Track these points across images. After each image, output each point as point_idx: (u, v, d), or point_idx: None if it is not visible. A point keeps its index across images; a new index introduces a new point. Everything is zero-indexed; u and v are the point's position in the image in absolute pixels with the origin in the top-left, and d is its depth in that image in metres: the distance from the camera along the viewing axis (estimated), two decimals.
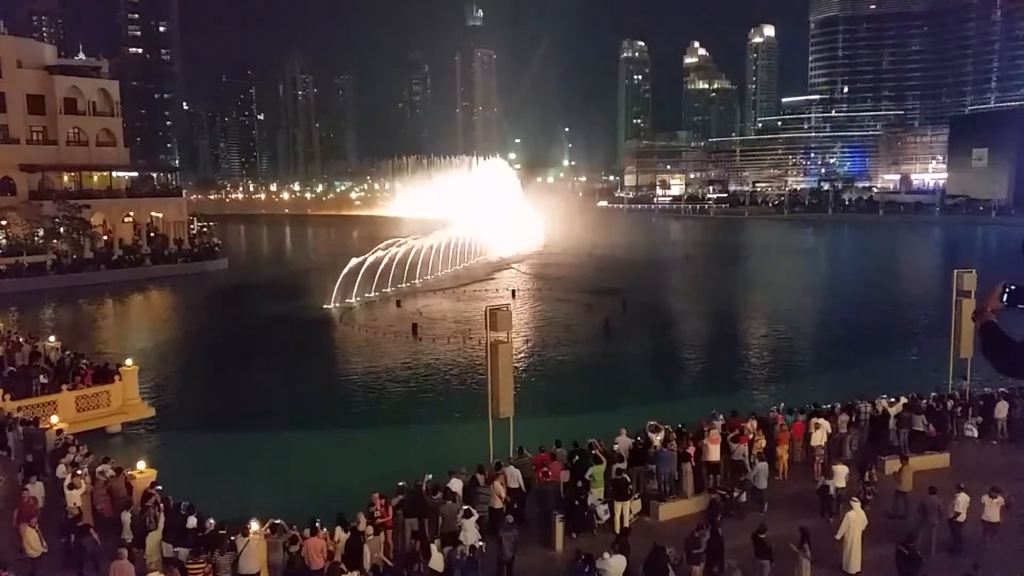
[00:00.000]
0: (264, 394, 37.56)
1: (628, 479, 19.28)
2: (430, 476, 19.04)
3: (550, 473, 19.90)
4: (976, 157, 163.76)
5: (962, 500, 17.91)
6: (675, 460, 20.40)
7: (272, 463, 28.71)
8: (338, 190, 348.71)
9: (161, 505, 17.83)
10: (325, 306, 61.32)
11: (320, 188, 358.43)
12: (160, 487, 19.19)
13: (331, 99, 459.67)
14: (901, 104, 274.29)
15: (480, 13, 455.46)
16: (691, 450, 20.70)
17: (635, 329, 52.98)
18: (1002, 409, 25.03)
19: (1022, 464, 22.32)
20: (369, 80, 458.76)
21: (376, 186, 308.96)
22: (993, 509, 17.56)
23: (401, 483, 18.82)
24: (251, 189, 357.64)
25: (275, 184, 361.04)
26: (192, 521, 17.10)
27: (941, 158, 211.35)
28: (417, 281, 73.58)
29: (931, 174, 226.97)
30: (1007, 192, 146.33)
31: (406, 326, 52.76)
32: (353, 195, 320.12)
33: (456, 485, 18.68)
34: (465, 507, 17.21)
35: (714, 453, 20.81)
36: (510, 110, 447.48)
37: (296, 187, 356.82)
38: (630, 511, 19.05)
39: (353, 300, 63.03)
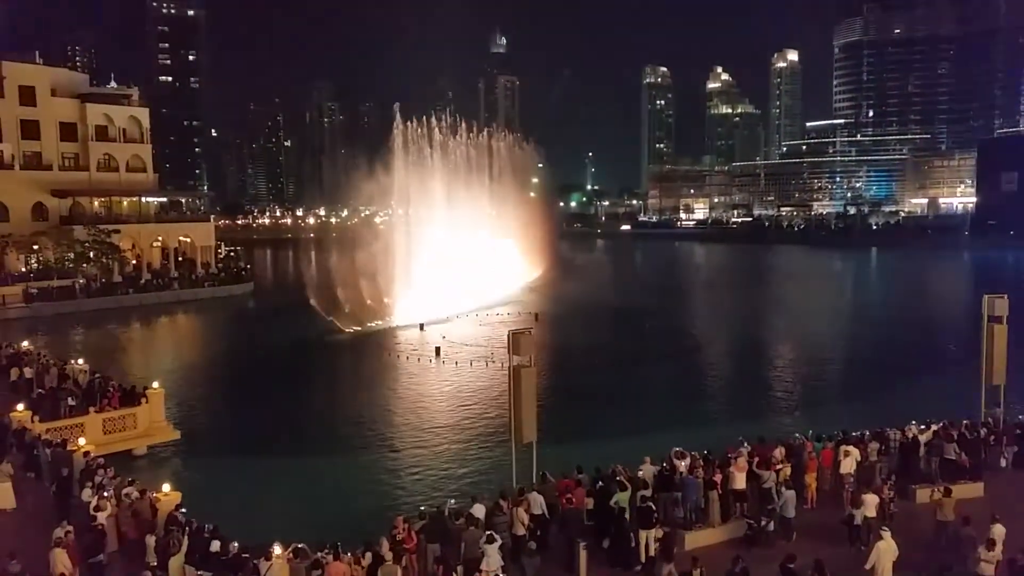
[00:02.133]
0: (289, 418, 37.73)
1: (654, 507, 18.99)
2: (453, 501, 18.93)
3: (574, 500, 19.67)
4: (1006, 181, 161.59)
5: (998, 531, 17.41)
6: (701, 488, 20.06)
7: (295, 487, 28.72)
8: (363, 214, 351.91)
9: (185, 528, 17.86)
10: (348, 329, 61.66)
11: (345, 213, 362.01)
12: (184, 510, 19.24)
13: (357, 126, 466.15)
14: (928, 128, 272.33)
15: (504, 40, 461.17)
16: (717, 478, 20.35)
17: (660, 354, 52.59)
18: None
19: None
20: (389, 109, 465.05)
21: (400, 211, 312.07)
22: None
23: (423, 508, 18.72)
24: (278, 214, 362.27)
25: (301, 209, 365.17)
26: (215, 545, 17.09)
27: (969, 182, 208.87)
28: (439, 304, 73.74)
29: (959, 198, 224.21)
30: None
31: (429, 350, 52.82)
32: (377, 219, 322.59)
33: (479, 511, 18.52)
34: (488, 533, 17.05)
35: (741, 481, 20.44)
36: (533, 135, 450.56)
37: (322, 211, 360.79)
38: (655, 539, 18.74)
39: (376, 324, 63.31)
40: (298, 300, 73.72)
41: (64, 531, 17.10)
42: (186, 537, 17.50)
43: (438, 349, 52.81)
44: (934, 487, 21.04)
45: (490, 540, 16.57)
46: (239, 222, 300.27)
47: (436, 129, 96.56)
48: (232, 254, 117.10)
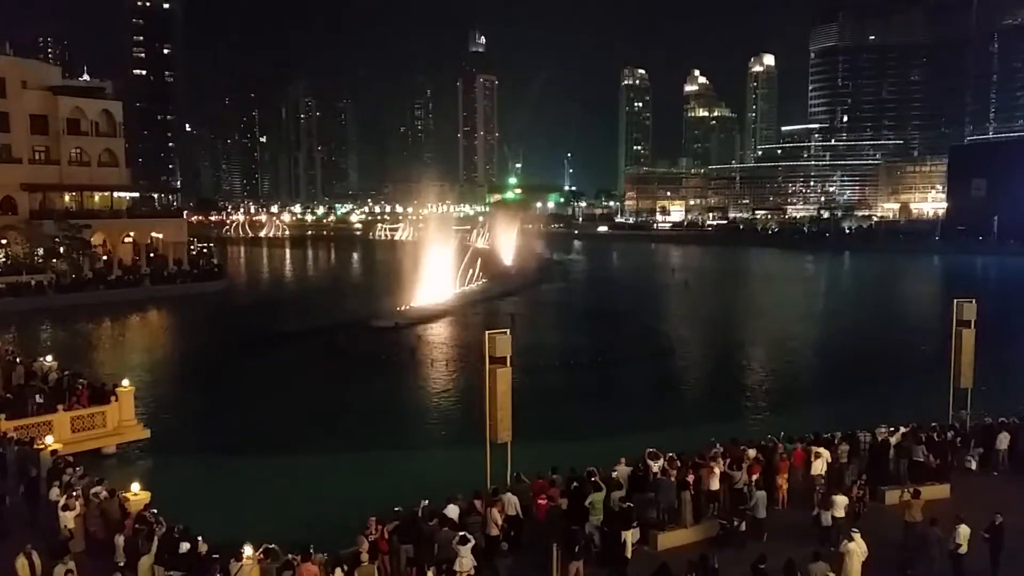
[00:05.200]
0: (260, 417, 37.37)
1: (631, 507, 19.07)
2: (426, 502, 18.85)
3: (548, 500, 19.71)
4: (975, 187, 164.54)
5: (963, 532, 17.72)
6: (674, 488, 20.20)
7: (268, 486, 28.47)
8: (339, 213, 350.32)
9: (155, 528, 17.63)
10: (318, 329, 61.17)
11: (321, 211, 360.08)
12: (154, 510, 18.99)
13: (333, 123, 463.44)
14: (901, 134, 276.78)
15: (483, 40, 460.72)
16: (690, 478, 20.51)
17: (635, 355, 52.82)
18: (1003, 440, 24.83)
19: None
20: (371, 104, 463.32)
21: (377, 209, 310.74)
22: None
23: (397, 508, 18.64)
24: (252, 211, 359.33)
25: (276, 206, 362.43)
26: (185, 545, 16.88)
27: (941, 187, 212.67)
28: (416, 305, 73.54)
29: (930, 203, 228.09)
30: (1005, 222, 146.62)
31: (404, 350, 52.61)
32: (354, 218, 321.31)
33: (452, 511, 18.48)
34: (461, 534, 17.01)
35: (714, 482, 20.62)
36: (511, 135, 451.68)
37: (297, 209, 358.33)
38: (632, 540, 18.82)
39: (349, 322, 62.89)
40: (271, 298, 73.15)
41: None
42: (156, 537, 17.28)
43: (413, 349, 52.58)
44: (903, 488, 21.38)
45: (463, 541, 16.55)
46: (212, 218, 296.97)
47: (415, 127, 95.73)
48: (205, 251, 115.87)
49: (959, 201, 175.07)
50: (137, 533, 17.58)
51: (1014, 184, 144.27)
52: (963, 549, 17.64)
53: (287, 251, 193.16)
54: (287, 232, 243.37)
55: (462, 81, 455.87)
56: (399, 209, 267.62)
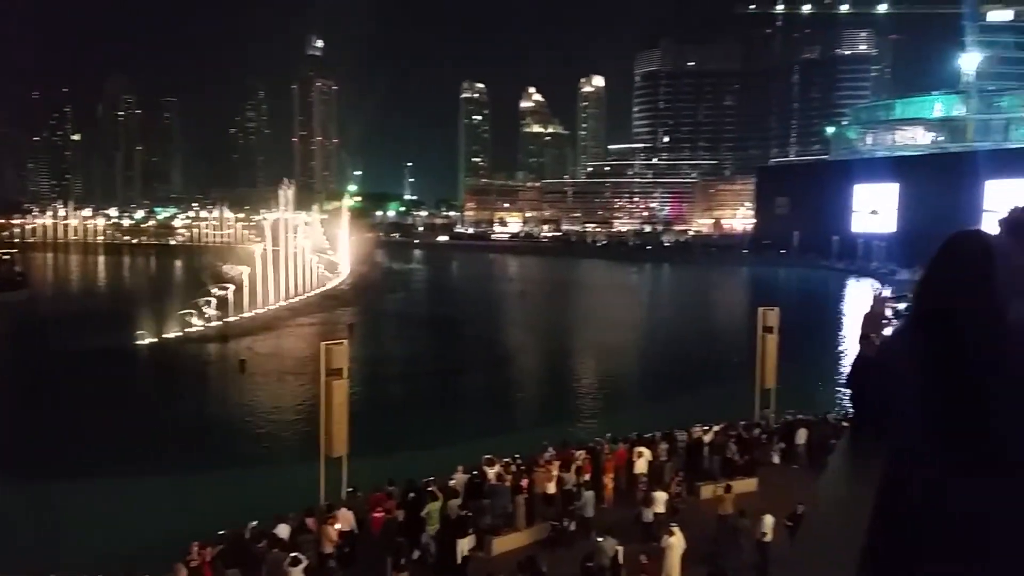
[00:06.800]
0: (76, 437, 34.07)
1: (468, 516, 19.30)
2: (255, 523, 18.10)
3: (384, 513, 19.54)
4: (779, 205, 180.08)
5: (768, 522, 19.35)
6: (509, 493, 20.69)
7: (83, 512, 25.98)
8: (160, 217, 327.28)
9: None
10: (141, 342, 56.95)
11: (140, 215, 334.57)
12: None
13: (156, 122, 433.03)
14: (715, 154, 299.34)
15: (320, 43, 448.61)
16: (524, 482, 21.09)
17: (472, 363, 53.48)
18: (802, 436, 27.34)
19: (821, 487, 24.47)
20: (199, 104, 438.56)
21: (204, 214, 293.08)
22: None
23: (222, 531, 17.74)
24: (62, 214, 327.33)
25: (90, 209, 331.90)
26: None
27: (749, 205, 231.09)
28: (246, 315, 70.20)
29: (740, 219, 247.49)
30: (805, 237, 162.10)
31: (233, 363, 50.10)
32: (177, 223, 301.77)
33: (283, 531, 17.87)
34: (292, 555, 16.49)
35: (546, 484, 21.32)
36: (350, 142, 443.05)
37: (114, 212, 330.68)
38: (467, 548, 19.03)
39: (174, 335, 59.05)
40: (83, 309, 67.09)
41: None
42: None
43: (243, 362, 50.22)
44: (716, 484, 23.12)
45: (295, 562, 16.05)
46: (15, 221, 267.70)
47: (247, 129, 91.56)
48: (5, 257, 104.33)
49: (765, 217, 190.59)
50: None
51: (812, 202, 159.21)
52: (768, 537, 19.22)
53: (101, 257, 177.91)
54: (102, 237, 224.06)
55: (298, 84, 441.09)
56: (227, 214, 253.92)
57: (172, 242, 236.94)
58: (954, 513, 2.36)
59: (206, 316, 63.52)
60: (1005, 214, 3.05)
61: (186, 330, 60.82)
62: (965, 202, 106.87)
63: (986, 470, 2.35)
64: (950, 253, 2.57)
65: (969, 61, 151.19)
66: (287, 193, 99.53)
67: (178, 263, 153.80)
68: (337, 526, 18.39)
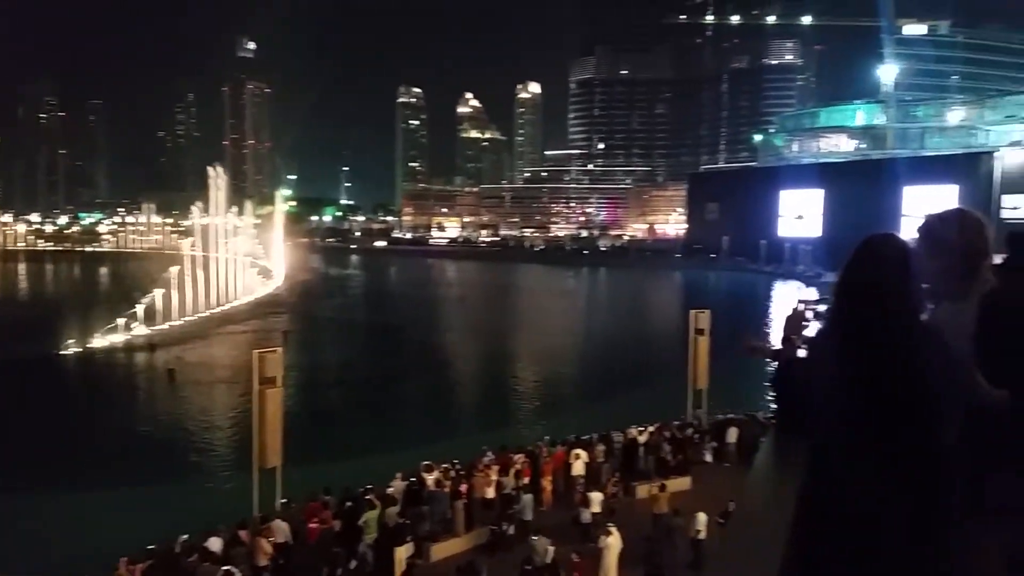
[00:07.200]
0: None
1: (406, 523, 19.18)
2: (186, 536, 17.60)
3: (320, 523, 19.25)
4: (710, 210, 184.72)
5: (701, 519, 19.83)
6: (448, 499, 20.65)
7: (2, 529, 24.76)
8: (85, 222, 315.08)
9: None
10: (65, 352, 54.72)
11: (64, 220, 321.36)
12: None
13: (81, 125, 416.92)
14: (648, 161, 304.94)
15: (252, 45, 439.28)
16: (463, 488, 21.08)
17: (410, 369, 53.14)
18: (732, 435, 28.10)
19: (749, 484, 25.20)
20: (127, 107, 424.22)
21: (131, 219, 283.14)
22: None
23: (151, 546, 17.19)
24: None
25: (9, 215, 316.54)
26: None
27: (681, 210, 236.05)
28: (175, 323, 68.17)
29: (672, 224, 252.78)
30: (734, 241, 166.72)
31: (161, 372, 48.60)
32: (103, 229, 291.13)
33: (215, 544, 17.43)
34: (225, 568, 16.10)
35: (485, 488, 21.36)
36: (284, 145, 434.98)
37: (35, 218, 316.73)
38: (405, 556, 18.92)
39: (99, 343, 56.92)
40: (2, 317, 64.09)
41: None
42: None
43: (172, 371, 48.75)
44: (651, 483, 23.55)
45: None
46: None
47: (176, 133, 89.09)
48: None
49: (696, 222, 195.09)
50: None
51: (741, 208, 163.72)
52: (702, 535, 19.68)
53: (22, 265, 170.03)
54: (23, 244, 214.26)
55: (229, 86, 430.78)
56: (156, 220, 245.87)
57: (98, 248, 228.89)
58: (869, 504, 2.50)
59: (133, 324, 61.47)
60: (922, 221, 3.25)
61: (112, 339, 58.70)
62: (885, 207, 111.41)
63: (897, 462, 2.51)
64: (871, 254, 2.72)
65: (887, 72, 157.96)
66: (217, 183, 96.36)
67: (104, 270, 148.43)
68: (272, 538, 18.05)
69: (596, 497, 21.06)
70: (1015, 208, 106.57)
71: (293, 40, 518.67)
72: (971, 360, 2.80)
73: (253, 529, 18.19)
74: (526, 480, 22.40)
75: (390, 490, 20.95)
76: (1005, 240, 3.32)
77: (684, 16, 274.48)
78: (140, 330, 61.79)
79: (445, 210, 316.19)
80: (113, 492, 28.83)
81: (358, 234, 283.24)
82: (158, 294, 67.44)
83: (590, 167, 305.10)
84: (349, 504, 19.81)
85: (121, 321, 60.33)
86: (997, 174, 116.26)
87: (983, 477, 2.75)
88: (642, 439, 26.08)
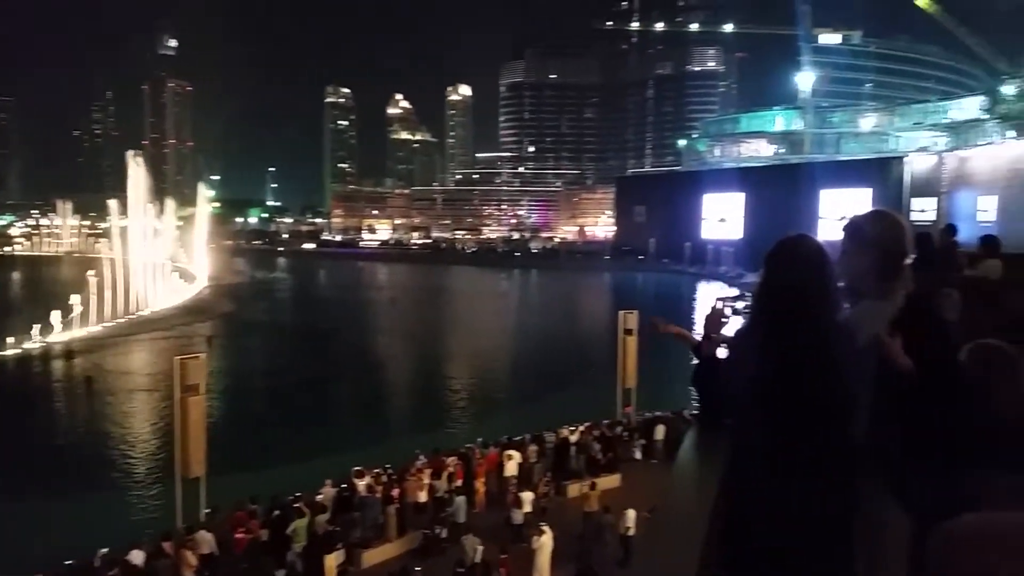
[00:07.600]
0: None
1: (336, 531, 18.94)
2: (105, 550, 16.96)
3: (247, 532, 18.83)
4: (637, 213, 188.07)
5: (631, 515, 20.24)
6: (380, 504, 20.48)
7: None
8: None
9: None
10: None
11: None
12: None
13: None
14: (577, 164, 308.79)
15: (173, 43, 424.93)
16: (395, 492, 20.95)
17: (341, 373, 52.38)
18: (660, 432, 28.77)
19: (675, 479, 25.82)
20: (40, 105, 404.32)
21: (44, 221, 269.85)
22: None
23: (69, 561, 16.51)
24: None
25: None
26: None
27: (610, 213, 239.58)
28: (92, 329, 65.40)
29: (601, 227, 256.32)
30: (660, 243, 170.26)
31: (78, 380, 46.57)
32: (15, 231, 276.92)
33: (137, 557, 16.86)
34: None
35: (417, 492, 21.28)
36: (208, 146, 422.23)
37: None
38: (336, 563, 18.68)
39: (12, 351, 54.18)
40: None
41: None
42: None
43: (89, 379, 46.77)
44: (582, 482, 23.90)
45: None
46: None
47: (93, 132, 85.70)
48: None
49: (624, 225, 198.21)
50: None
51: (666, 210, 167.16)
52: (632, 531, 20.08)
53: None
54: None
55: (149, 85, 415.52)
56: (72, 222, 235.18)
57: (9, 252, 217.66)
58: (786, 500, 2.62)
59: (49, 331, 58.71)
60: (846, 222, 3.43)
61: (27, 346, 55.93)
62: (803, 210, 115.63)
63: (814, 461, 2.63)
64: (788, 255, 2.83)
65: (804, 79, 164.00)
66: (137, 180, 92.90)
67: (16, 275, 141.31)
68: (196, 550, 17.57)
69: (528, 497, 21.23)
70: (923, 211, 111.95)
71: (217, 38, 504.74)
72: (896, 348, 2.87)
73: (177, 541, 17.68)
74: (459, 482, 22.41)
75: (320, 497, 20.64)
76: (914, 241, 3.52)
77: (611, 22, 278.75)
78: (57, 336, 59.12)
79: (376, 212, 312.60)
80: (26, 506, 27.48)
81: (286, 236, 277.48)
82: (75, 299, 64.57)
83: (521, 169, 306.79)
84: (277, 513, 19.46)
85: (36, 327, 57.55)
86: (907, 178, 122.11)
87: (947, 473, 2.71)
88: (573, 438, 26.42)
